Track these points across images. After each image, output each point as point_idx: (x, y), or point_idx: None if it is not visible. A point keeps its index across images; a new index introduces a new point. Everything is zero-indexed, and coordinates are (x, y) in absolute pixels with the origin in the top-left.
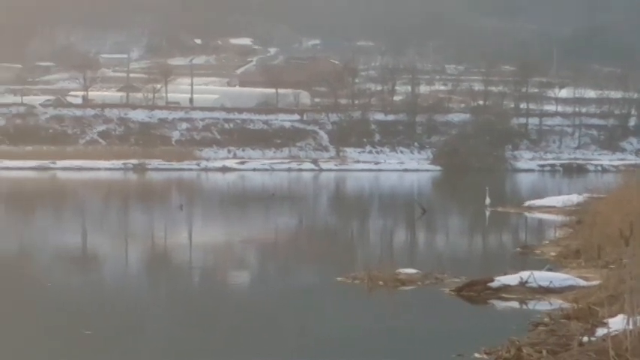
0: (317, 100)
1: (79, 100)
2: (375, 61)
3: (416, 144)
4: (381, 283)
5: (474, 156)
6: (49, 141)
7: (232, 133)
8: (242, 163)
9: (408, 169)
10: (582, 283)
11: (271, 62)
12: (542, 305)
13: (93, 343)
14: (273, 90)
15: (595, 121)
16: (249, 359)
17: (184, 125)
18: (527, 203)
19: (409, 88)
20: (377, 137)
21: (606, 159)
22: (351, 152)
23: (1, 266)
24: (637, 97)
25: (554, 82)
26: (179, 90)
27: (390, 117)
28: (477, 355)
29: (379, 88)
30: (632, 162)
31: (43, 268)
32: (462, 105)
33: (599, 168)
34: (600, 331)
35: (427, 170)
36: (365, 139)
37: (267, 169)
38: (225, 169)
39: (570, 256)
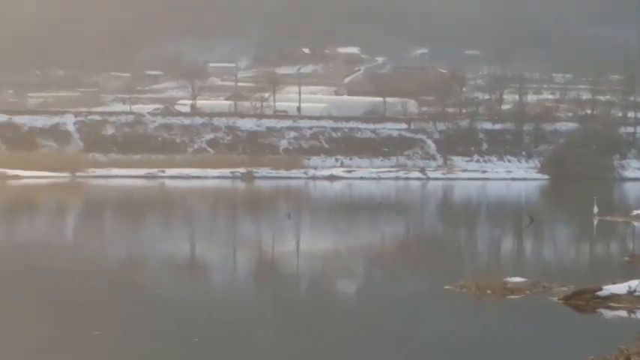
0: (424, 108)
1: (188, 109)
2: (483, 69)
3: (523, 153)
4: (489, 291)
5: (581, 165)
6: (158, 149)
7: (340, 142)
8: (349, 171)
9: (515, 177)
10: None
11: (379, 71)
12: None
13: (201, 350)
14: (380, 99)
15: None
16: None
17: (292, 134)
18: (635, 212)
19: (517, 96)
20: (484, 146)
21: None
22: (458, 161)
23: (111, 274)
24: None
25: None
26: (287, 99)
27: (498, 126)
28: None
29: (487, 96)
30: None
31: (151, 276)
32: (570, 114)
33: None
34: None
35: (534, 179)
36: (472, 148)
37: (374, 178)
38: (332, 178)
39: None
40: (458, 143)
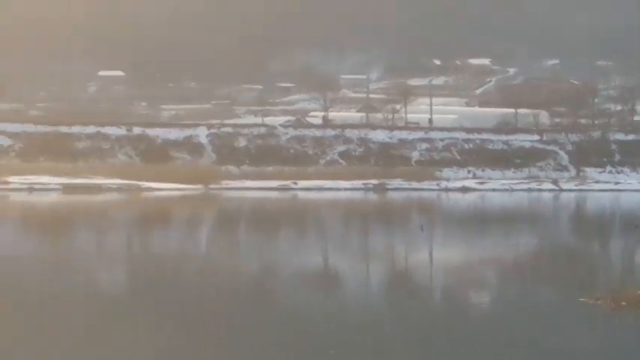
0: (557, 120)
1: (319, 121)
2: (615, 80)
3: None
4: (624, 303)
5: None
6: (290, 161)
7: (472, 154)
8: (482, 183)
9: None
10: None
11: (510, 82)
12: None
13: None
14: (512, 110)
15: None
16: None
17: (424, 145)
18: None
19: None
20: (617, 157)
21: None
22: (591, 172)
23: (242, 285)
24: None
25: None
26: (418, 110)
27: (630, 136)
28: None
29: (619, 107)
30: None
31: (283, 287)
32: None
33: None
34: None
35: None
36: (605, 159)
37: (506, 190)
38: (464, 190)
39: None
40: (590, 154)
